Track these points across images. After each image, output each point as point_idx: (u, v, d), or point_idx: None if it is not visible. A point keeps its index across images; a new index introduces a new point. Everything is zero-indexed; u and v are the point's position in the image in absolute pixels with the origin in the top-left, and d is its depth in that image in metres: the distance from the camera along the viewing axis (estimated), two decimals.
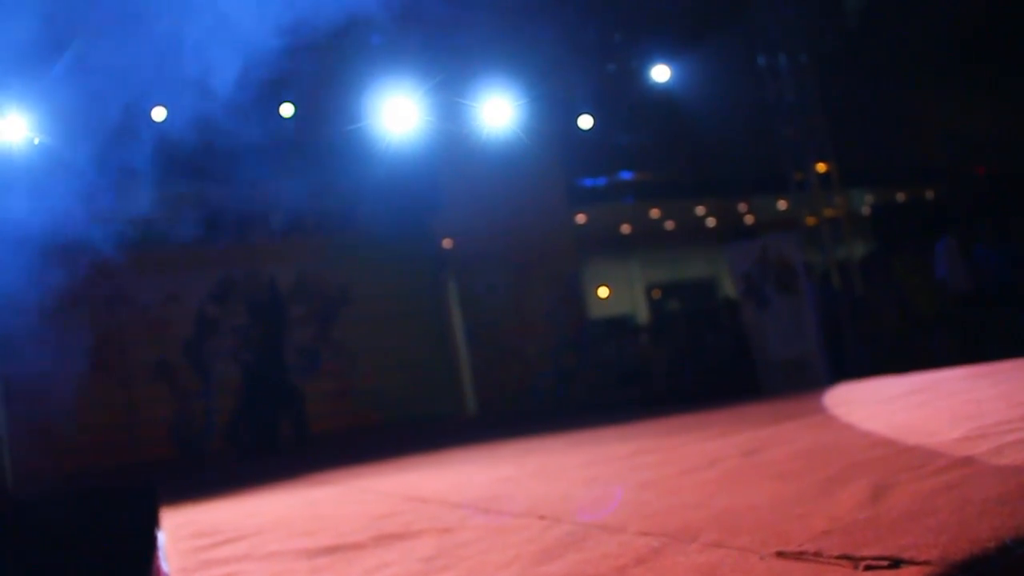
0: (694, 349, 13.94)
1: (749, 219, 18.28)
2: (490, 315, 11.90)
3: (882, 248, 12.71)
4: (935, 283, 8.84)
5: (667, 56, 10.84)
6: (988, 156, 14.79)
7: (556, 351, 12.03)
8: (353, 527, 3.68)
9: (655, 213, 17.24)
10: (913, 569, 1.83)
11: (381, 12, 7.50)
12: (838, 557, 2.01)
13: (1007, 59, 12.46)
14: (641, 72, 11.02)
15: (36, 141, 7.76)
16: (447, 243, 12.58)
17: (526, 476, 4.77)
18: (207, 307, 11.32)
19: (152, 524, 4.71)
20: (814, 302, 8.85)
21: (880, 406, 5.48)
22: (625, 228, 17.66)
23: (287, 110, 9.80)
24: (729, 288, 14.50)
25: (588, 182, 14.95)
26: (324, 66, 9.30)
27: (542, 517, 3.20)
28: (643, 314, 18.06)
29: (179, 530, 4.38)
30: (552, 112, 10.95)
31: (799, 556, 2.10)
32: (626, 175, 15.54)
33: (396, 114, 9.29)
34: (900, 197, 17.47)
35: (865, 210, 16.44)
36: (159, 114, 8.60)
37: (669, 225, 18.05)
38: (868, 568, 1.91)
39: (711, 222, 18.41)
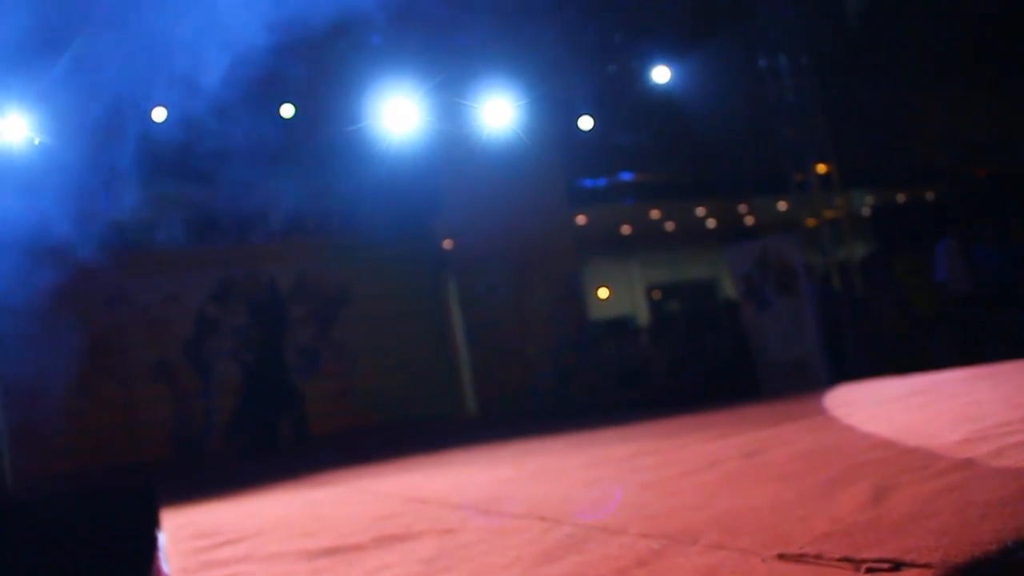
0: (694, 350, 13.94)
1: (749, 220, 18.28)
2: (490, 316, 11.89)
3: (882, 249, 12.70)
4: (935, 284, 8.83)
5: (667, 57, 10.83)
6: (988, 157, 14.78)
7: (556, 352, 12.02)
8: (354, 528, 3.68)
9: (655, 214, 17.24)
10: (915, 571, 1.83)
11: (381, 13, 7.51)
12: (839, 559, 2.01)
13: (1007, 59, 12.46)
14: (641, 73, 11.01)
15: (36, 142, 7.76)
16: (447, 243, 12.58)
17: (526, 477, 4.77)
18: (207, 307, 11.32)
19: (152, 525, 4.70)
20: (814, 303, 8.84)
21: (880, 407, 5.48)
22: (625, 229, 17.65)
23: (287, 110, 9.81)
24: (729, 289, 14.51)
25: (588, 183, 14.95)
26: (324, 67, 9.30)
27: (543, 518, 3.20)
28: (643, 315, 18.06)
29: (180, 531, 4.38)
30: (552, 113, 10.95)
31: (800, 558, 2.10)
32: (626, 176, 15.54)
33: (396, 115, 9.28)
34: (900, 198, 17.48)
35: (865, 211, 16.43)
36: (159, 115, 8.59)
37: (669, 226, 18.04)
38: (869, 570, 1.91)
39: (711, 223, 18.41)
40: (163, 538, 4.21)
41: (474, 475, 5.25)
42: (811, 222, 11.28)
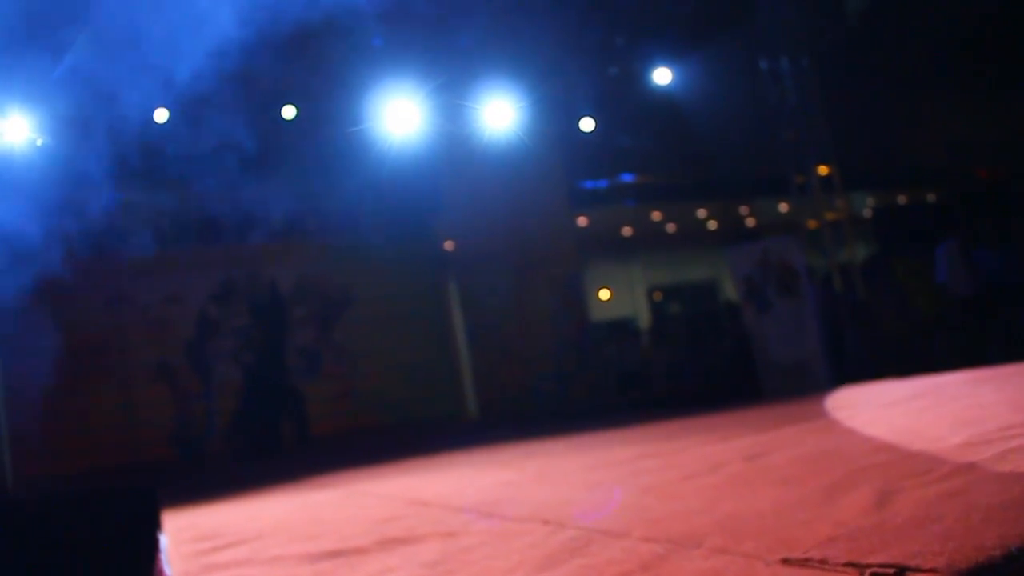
0: (695, 352, 13.94)
1: (750, 222, 18.26)
2: (491, 317, 11.88)
3: (883, 251, 12.69)
4: (936, 286, 8.83)
5: (669, 59, 10.83)
6: (989, 158, 14.78)
7: (557, 353, 12.00)
8: (355, 531, 3.67)
9: (656, 216, 17.22)
10: None
11: (383, 15, 7.50)
12: (844, 564, 2.01)
13: (1008, 60, 12.45)
14: (643, 75, 11.01)
15: (39, 142, 7.76)
16: (448, 245, 12.58)
17: (528, 480, 4.77)
18: (208, 308, 11.31)
19: (154, 527, 4.69)
20: (815, 305, 8.84)
21: (882, 410, 5.47)
22: (626, 231, 17.63)
23: (289, 112, 9.81)
24: (730, 291, 14.51)
25: (589, 184, 14.94)
26: (326, 68, 9.30)
27: (545, 522, 3.19)
28: (644, 317, 18.05)
29: (181, 533, 4.37)
30: (554, 114, 10.94)
31: (805, 563, 2.10)
32: (627, 178, 15.53)
33: (398, 116, 9.29)
34: (901, 200, 17.46)
35: (866, 213, 16.42)
36: (159, 116, 8.59)
37: (670, 228, 18.03)
38: (874, 575, 1.90)
39: (712, 225, 18.39)
40: (165, 540, 4.20)
41: (476, 477, 5.25)
42: (812, 224, 11.28)
